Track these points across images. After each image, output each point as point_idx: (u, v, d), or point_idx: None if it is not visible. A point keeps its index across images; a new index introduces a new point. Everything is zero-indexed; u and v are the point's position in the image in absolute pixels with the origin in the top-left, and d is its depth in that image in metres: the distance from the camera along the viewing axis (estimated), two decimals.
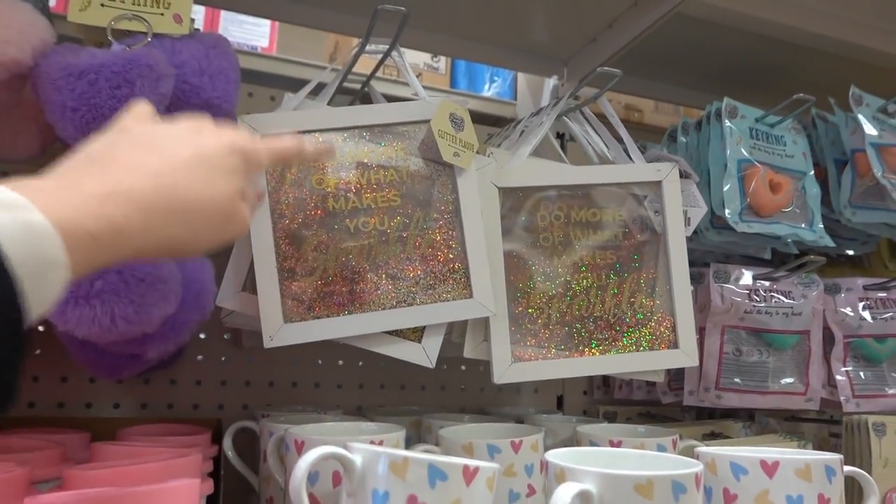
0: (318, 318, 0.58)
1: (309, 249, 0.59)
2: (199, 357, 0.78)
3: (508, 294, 0.64)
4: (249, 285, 0.59)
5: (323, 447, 0.40)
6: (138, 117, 0.38)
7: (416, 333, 0.61)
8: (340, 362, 0.85)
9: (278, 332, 0.57)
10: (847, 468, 0.51)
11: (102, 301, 0.47)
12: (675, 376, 0.83)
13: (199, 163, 0.36)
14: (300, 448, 0.52)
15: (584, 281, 0.66)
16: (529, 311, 0.64)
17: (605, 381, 0.95)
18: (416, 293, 0.60)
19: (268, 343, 0.56)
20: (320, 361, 0.84)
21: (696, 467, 0.42)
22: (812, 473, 0.46)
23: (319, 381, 0.83)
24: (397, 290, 0.60)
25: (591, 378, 0.95)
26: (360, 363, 0.85)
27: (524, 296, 0.65)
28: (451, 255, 0.61)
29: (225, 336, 0.80)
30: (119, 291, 0.48)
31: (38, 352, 0.71)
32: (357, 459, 0.40)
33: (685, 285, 0.67)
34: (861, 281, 0.83)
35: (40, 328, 0.70)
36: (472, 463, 0.40)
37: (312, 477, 0.48)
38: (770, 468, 0.47)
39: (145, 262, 0.49)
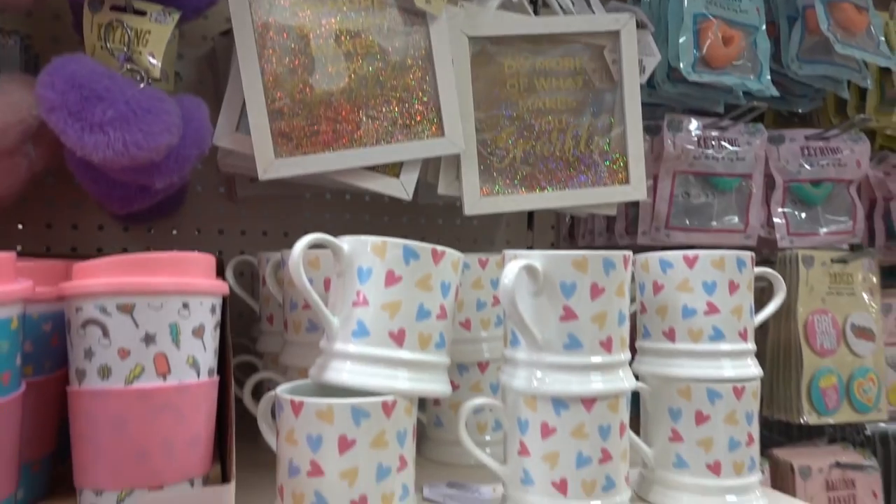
0: (306, 154, 0.65)
1: (294, 92, 0.65)
2: (198, 208, 0.86)
3: (477, 135, 0.71)
4: (242, 127, 0.66)
5: (315, 234, 0.48)
6: None
7: (394, 170, 0.68)
8: (327, 215, 0.92)
9: (270, 165, 0.64)
10: (758, 268, 0.60)
11: (114, 128, 0.53)
12: (632, 221, 0.92)
13: None
14: None
15: (547, 124, 0.73)
16: (496, 150, 0.71)
17: (571, 233, 1.04)
18: (393, 132, 0.67)
19: (262, 176, 0.63)
20: (308, 214, 0.92)
21: (626, 252, 0.51)
22: (725, 264, 0.56)
23: (308, 230, 0.91)
24: (376, 130, 0.66)
25: (557, 231, 1.04)
26: (347, 216, 0.93)
27: (491, 137, 0.71)
28: (424, 98, 0.68)
29: (220, 189, 0.87)
30: (129, 119, 0.54)
31: (51, 200, 0.78)
32: (345, 245, 0.49)
33: (637, 128, 0.74)
34: (804, 132, 0.91)
35: (52, 177, 0.77)
36: (440, 248, 0.49)
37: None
38: (691, 261, 0.56)
39: (149, 96, 0.55)
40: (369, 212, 0.94)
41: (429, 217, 0.97)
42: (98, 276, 0.40)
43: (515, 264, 0.47)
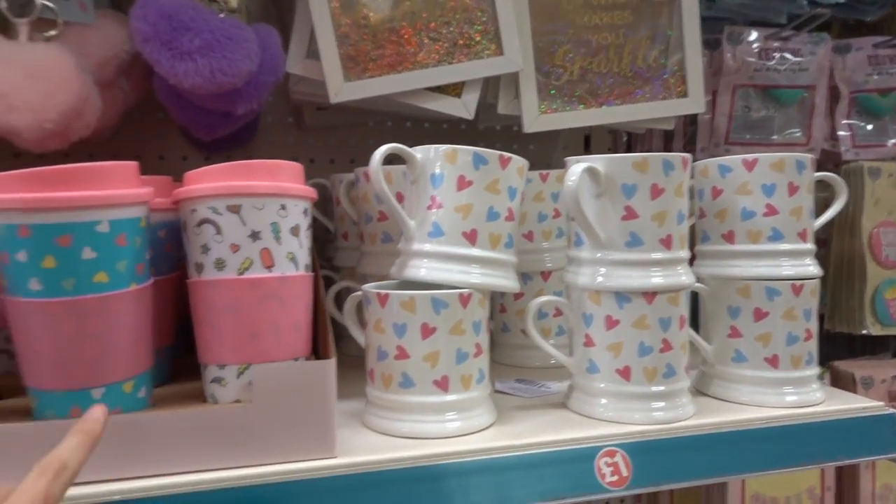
0: (372, 77, 0.68)
1: (359, 17, 0.68)
2: (269, 138, 0.91)
3: (535, 53, 0.72)
4: (311, 54, 0.69)
5: (391, 144, 0.52)
6: None
7: (457, 90, 0.71)
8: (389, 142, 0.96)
9: (340, 89, 0.67)
10: (818, 173, 0.61)
11: (201, 55, 0.58)
12: (690, 139, 0.92)
13: None
14: (367, 176, 0.65)
15: (603, 40, 0.74)
16: (554, 68, 0.73)
17: (629, 150, 1.05)
18: (454, 52, 0.69)
19: (333, 99, 0.67)
20: (372, 142, 0.95)
21: (685, 154, 0.53)
22: (785, 166, 0.57)
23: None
24: (437, 51, 0.69)
25: (614, 152, 1.05)
26: (409, 142, 0.97)
27: (549, 55, 0.73)
28: (483, 18, 0.69)
29: (289, 119, 0.92)
30: (213, 47, 0.58)
31: (139, 132, 0.84)
32: (418, 154, 0.52)
33: (696, 41, 0.74)
34: (872, 40, 0.88)
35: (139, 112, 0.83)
36: (507, 154, 0.52)
37: None
38: (750, 164, 0.57)
39: (230, 25, 0.59)
40: (429, 138, 0.97)
41: (487, 142, 0.99)
42: (209, 181, 0.46)
43: (578, 166, 0.50)
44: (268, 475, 0.43)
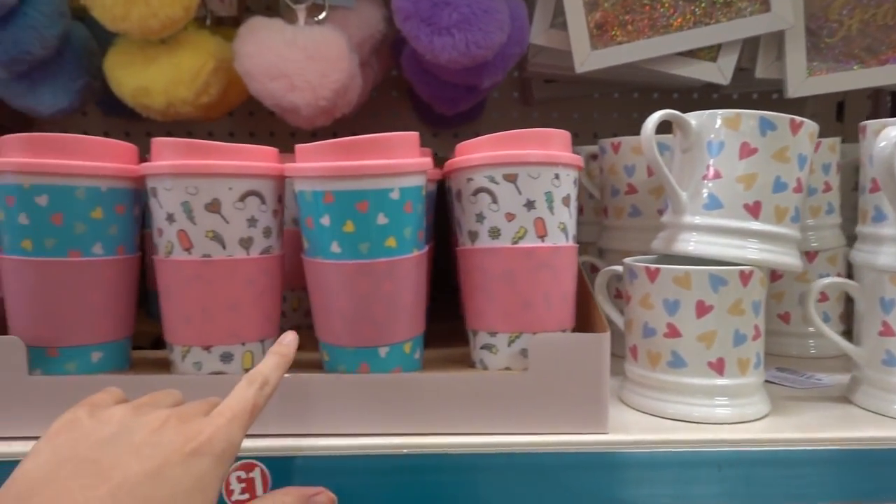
0: (620, 44, 0.65)
1: None
2: (495, 113, 0.91)
3: (805, 8, 0.65)
4: (555, 24, 0.68)
5: (664, 111, 0.49)
6: (94, 408, 0.34)
7: (711, 54, 0.66)
8: (615, 115, 0.92)
9: (587, 58, 0.65)
10: None
11: (459, 29, 0.59)
12: None
13: (153, 483, 0.29)
14: (616, 148, 0.62)
15: None
16: (827, 23, 0.65)
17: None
18: (712, 12, 0.64)
19: (579, 68, 0.65)
20: (596, 115, 0.93)
21: None
22: None
23: (598, 130, 0.92)
24: (693, 12, 0.64)
25: (875, 104, 0.92)
26: (635, 115, 0.92)
27: (821, 9, 0.65)
28: None
29: (514, 94, 0.92)
30: (470, 21, 0.59)
31: (375, 114, 0.89)
32: (693, 120, 0.49)
33: None
34: None
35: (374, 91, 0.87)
36: (798, 118, 0.47)
37: None
38: None
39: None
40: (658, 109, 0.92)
41: None
42: (482, 150, 0.46)
43: (890, 130, 0.44)
44: (538, 444, 0.43)
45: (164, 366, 0.49)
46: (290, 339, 0.40)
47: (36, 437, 0.41)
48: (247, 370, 0.46)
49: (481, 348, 0.48)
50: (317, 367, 0.48)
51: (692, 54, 0.66)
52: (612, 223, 0.65)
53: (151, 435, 0.31)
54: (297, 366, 0.41)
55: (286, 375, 0.39)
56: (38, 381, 0.43)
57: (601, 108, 0.92)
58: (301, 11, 0.62)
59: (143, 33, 0.58)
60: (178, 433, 0.31)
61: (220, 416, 0.33)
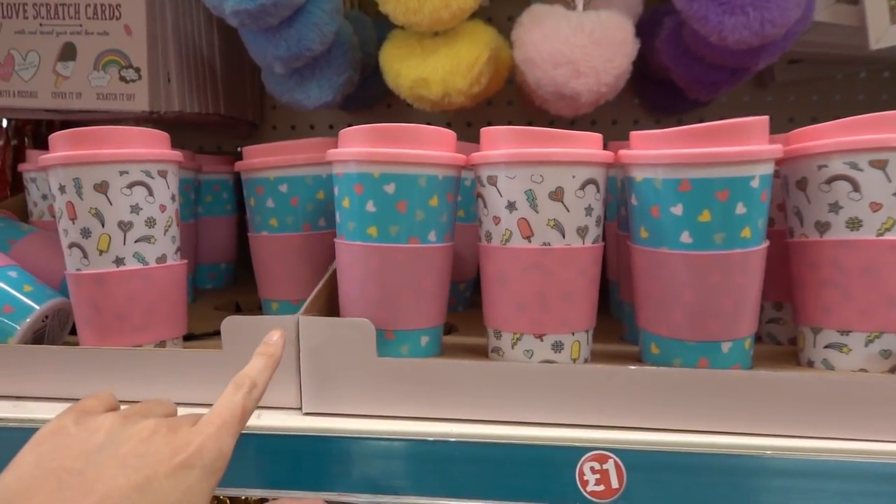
0: None
1: None
2: (724, 96, 0.87)
3: None
4: None
5: None
6: (82, 415, 0.32)
7: None
8: (860, 96, 0.85)
9: (885, 33, 0.60)
10: None
11: (754, 7, 0.55)
12: None
13: (140, 497, 0.28)
14: None
15: None
16: None
17: None
18: None
19: (874, 45, 0.60)
20: (838, 96, 0.86)
21: None
22: None
23: (838, 113, 0.85)
24: None
25: None
26: (884, 95, 0.85)
27: None
28: None
29: None
30: None
31: None
32: None
33: None
34: None
35: None
36: None
37: None
38: None
39: None
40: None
41: None
42: (834, 135, 0.43)
43: None
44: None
45: (476, 351, 0.50)
46: (276, 337, 0.38)
47: (381, 417, 0.43)
48: (574, 360, 0.46)
49: (825, 347, 0.45)
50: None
51: None
52: None
53: (139, 445, 0.30)
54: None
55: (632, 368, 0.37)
56: (385, 364, 0.45)
57: (845, 89, 0.85)
58: None
59: (432, 25, 0.59)
60: (167, 444, 0.30)
61: (209, 424, 0.31)
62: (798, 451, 0.40)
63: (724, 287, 0.42)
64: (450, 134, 0.48)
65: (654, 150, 0.43)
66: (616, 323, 0.61)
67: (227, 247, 0.81)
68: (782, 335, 0.54)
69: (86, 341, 0.50)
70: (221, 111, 0.79)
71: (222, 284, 0.81)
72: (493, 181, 0.45)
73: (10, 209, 0.72)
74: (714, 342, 0.43)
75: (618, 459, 0.41)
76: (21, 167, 0.74)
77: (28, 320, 0.52)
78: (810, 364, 0.46)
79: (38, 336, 0.54)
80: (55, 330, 0.56)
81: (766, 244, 0.43)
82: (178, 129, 0.75)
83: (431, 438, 0.42)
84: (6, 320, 0.52)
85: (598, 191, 0.45)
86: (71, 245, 0.49)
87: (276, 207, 0.58)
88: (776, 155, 0.41)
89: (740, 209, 0.41)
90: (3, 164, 0.84)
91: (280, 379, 0.46)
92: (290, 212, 0.58)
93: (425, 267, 0.47)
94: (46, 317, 0.54)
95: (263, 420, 0.44)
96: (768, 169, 0.42)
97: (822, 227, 0.44)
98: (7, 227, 0.64)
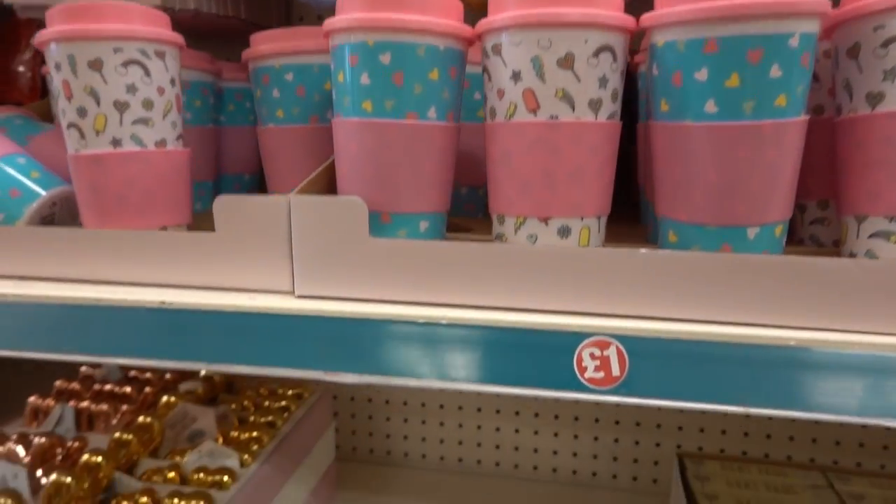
0: None
1: None
2: None
3: None
4: None
5: None
6: None
7: None
8: None
9: None
10: None
11: None
12: None
13: None
14: None
15: None
16: None
17: None
18: None
19: None
20: None
21: None
22: None
23: None
24: None
25: None
26: None
27: None
28: None
29: None
30: None
31: None
32: None
33: None
34: None
35: None
36: None
37: None
38: None
39: None
40: None
41: None
42: None
43: None
44: None
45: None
46: None
47: (375, 301, 0.40)
48: (583, 247, 0.43)
49: (870, 237, 0.40)
50: None
51: None
52: None
53: None
54: None
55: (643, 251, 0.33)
56: (378, 244, 0.42)
57: None
58: None
59: None
60: None
61: None
62: (827, 344, 0.36)
63: (752, 163, 0.37)
64: (457, 4, 0.44)
65: (678, 6, 0.38)
66: (644, 229, 0.57)
67: (250, 157, 0.80)
68: (826, 237, 0.48)
69: (87, 224, 0.50)
70: (241, 15, 0.77)
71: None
72: (497, 50, 0.41)
73: (36, 112, 0.73)
74: (739, 227, 0.39)
75: (621, 346, 0.38)
76: (44, 69, 0.73)
77: (34, 205, 0.52)
78: (852, 257, 0.41)
79: (47, 223, 0.54)
80: (65, 219, 0.55)
81: (805, 117, 0.38)
82: (196, 38, 0.73)
83: (422, 321, 0.40)
84: (13, 204, 0.52)
85: (616, 60, 0.40)
86: (69, 126, 0.48)
87: (282, 97, 0.56)
88: (820, 8, 0.36)
89: (775, 72, 0.36)
90: (34, 71, 0.85)
91: (273, 262, 0.44)
92: (296, 102, 0.56)
93: (424, 146, 0.44)
94: (54, 203, 0.54)
95: (257, 301, 0.43)
96: (811, 27, 0.36)
97: (875, 98, 0.38)
98: (24, 125, 0.64)
